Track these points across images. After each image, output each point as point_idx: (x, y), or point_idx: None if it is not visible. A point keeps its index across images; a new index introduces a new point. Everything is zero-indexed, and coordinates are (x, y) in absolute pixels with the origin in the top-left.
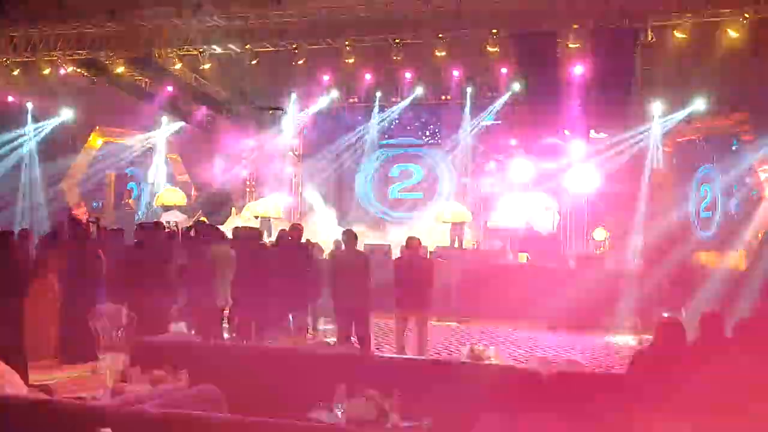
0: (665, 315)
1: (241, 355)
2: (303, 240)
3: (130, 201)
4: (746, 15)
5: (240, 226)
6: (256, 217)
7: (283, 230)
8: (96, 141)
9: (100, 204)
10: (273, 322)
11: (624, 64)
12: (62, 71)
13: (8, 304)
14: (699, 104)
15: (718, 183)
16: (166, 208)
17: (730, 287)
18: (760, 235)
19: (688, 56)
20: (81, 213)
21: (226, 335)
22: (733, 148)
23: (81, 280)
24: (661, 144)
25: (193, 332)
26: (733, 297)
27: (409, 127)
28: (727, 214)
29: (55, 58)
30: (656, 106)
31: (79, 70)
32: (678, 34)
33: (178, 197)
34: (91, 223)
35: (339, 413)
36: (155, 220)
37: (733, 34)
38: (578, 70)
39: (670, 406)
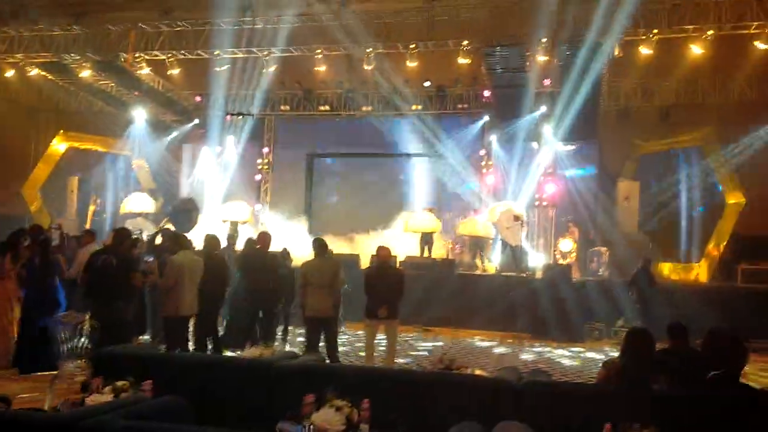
0: (633, 325)
1: (207, 366)
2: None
3: (93, 207)
4: (709, 32)
5: (208, 234)
6: (224, 222)
7: (250, 237)
8: (59, 145)
9: (61, 210)
10: (241, 331)
11: (591, 78)
12: (26, 74)
13: None
14: (664, 117)
15: (683, 194)
16: (133, 215)
17: (693, 298)
18: (721, 245)
19: (653, 71)
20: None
21: (191, 345)
22: (697, 159)
23: (41, 287)
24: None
25: (157, 342)
26: (697, 308)
27: (379, 137)
28: (690, 225)
29: (19, 60)
30: (620, 118)
31: (43, 73)
32: (644, 50)
33: (146, 204)
34: (53, 230)
35: (307, 424)
36: (121, 227)
37: (696, 50)
38: (546, 82)
39: (638, 415)
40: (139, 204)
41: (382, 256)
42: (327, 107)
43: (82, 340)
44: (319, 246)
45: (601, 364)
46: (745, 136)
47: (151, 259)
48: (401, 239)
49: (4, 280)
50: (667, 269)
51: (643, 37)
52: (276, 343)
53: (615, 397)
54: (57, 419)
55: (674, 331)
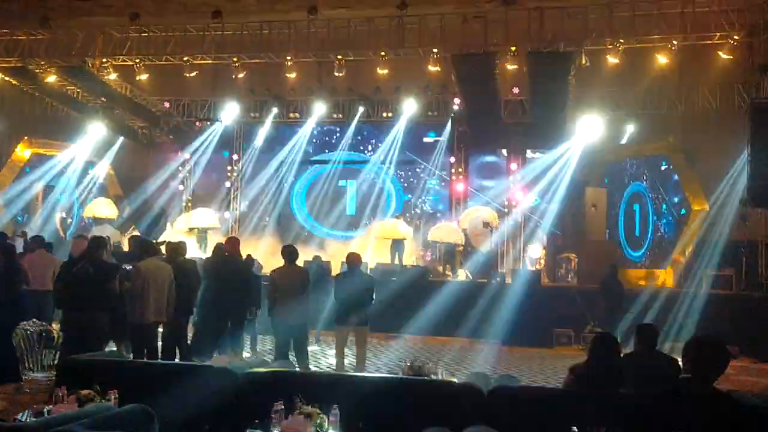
0: (597, 330)
1: (173, 375)
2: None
3: (60, 214)
4: (674, 42)
5: (173, 241)
6: (191, 230)
7: (219, 244)
8: (24, 152)
9: (25, 217)
10: (209, 339)
11: (559, 86)
12: None
13: None
14: (630, 126)
15: (648, 202)
16: (98, 221)
17: (660, 304)
18: (687, 251)
19: (620, 80)
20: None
21: (159, 353)
22: (662, 168)
23: (6, 295)
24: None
25: (124, 350)
26: (664, 313)
27: (349, 143)
28: (656, 232)
29: None
30: (588, 127)
31: (7, 78)
32: (611, 59)
33: (110, 210)
34: (17, 237)
35: (276, 431)
36: (90, 234)
37: (662, 59)
38: (515, 90)
39: (604, 419)
40: (102, 209)
41: (353, 261)
42: (296, 114)
43: (49, 349)
44: (289, 253)
45: (567, 369)
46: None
47: (130, 267)
48: (373, 247)
49: None
50: (633, 276)
51: (610, 47)
52: (245, 351)
53: (581, 400)
54: (18, 429)
55: (643, 333)
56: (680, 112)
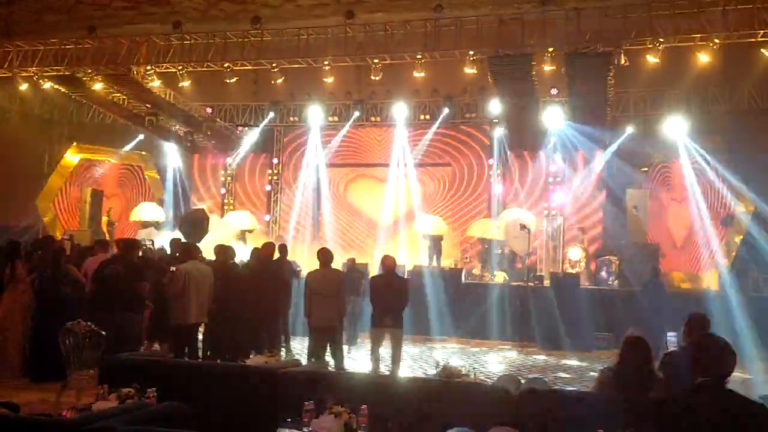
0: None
1: (211, 374)
2: (277, 257)
3: (107, 218)
4: (716, 40)
5: (218, 244)
6: (241, 234)
7: (256, 248)
8: (72, 157)
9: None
10: (246, 340)
11: (598, 86)
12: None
13: None
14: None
15: (692, 203)
16: (144, 225)
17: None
18: (732, 254)
19: (660, 80)
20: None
21: (199, 353)
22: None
23: (53, 297)
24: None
25: (165, 351)
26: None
27: (387, 147)
28: (700, 235)
29: (32, 74)
30: (629, 128)
31: (56, 86)
32: (650, 58)
33: (156, 213)
34: (65, 240)
35: (306, 430)
36: (129, 237)
37: (704, 58)
38: (553, 91)
39: (633, 422)
40: (148, 213)
41: (387, 264)
42: (335, 118)
43: (93, 349)
44: (324, 256)
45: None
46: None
47: (174, 269)
48: (411, 250)
49: (17, 288)
50: (677, 278)
51: (650, 46)
52: (281, 352)
53: (609, 403)
54: (62, 423)
55: (692, 324)
56: (724, 111)
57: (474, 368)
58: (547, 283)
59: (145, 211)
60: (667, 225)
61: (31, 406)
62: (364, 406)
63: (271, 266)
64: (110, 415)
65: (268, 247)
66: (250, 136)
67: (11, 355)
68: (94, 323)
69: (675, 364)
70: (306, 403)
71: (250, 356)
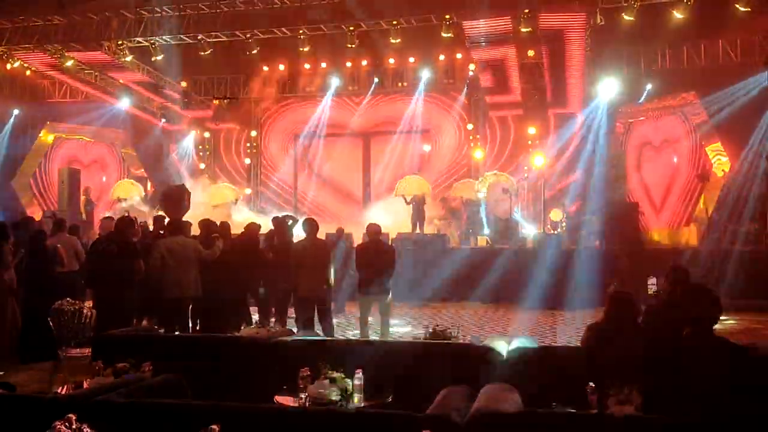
0: (614, 288)
1: (204, 346)
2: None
3: (84, 197)
4: None
5: (204, 218)
6: (215, 206)
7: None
8: (47, 137)
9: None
10: (236, 312)
11: (575, 47)
12: (8, 66)
13: None
14: (649, 84)
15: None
16: (124, 202)
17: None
18: (709, 209)
19: (636, 38)
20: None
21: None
22: (683, 124)
23: (39, 276)
24: (607, 124)
25: (155, 326)
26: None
27: (367, 115)
28: (675, 191)
29: (2, 52)
30: (605, 88)
31: (26, 64)
32: (626, 17)
33: (134, 191)
34: (46, 218)
35: (303, 396)
36: (123, 215)
37: (678, 15)
38: (530, 53)
39: (621, 377)
40: (125, 191)
41: (373, 232)
42: (312, 88)
43: (82, 326)
44: (310, 226)
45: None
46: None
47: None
48: (393, 214)
49: (3, 270)
50: (656, 235)
51: (625, 4)
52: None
53: (598, 359)
54: (56, 400)
55: (675, 276)
56: (699, 67)
57: (462, 330)
58: (529, 245)
59: (123, 188)
60: (644, 182)
61: (24, 387)
62: (358, 370)
63: (248, 240)
64: (108, 390)
65: (251, 226)
66: (228, 110)
67: (6, 337)
68: (92, 300)
69: (656, 316)
70: (301, 369)
71: (241, 328)
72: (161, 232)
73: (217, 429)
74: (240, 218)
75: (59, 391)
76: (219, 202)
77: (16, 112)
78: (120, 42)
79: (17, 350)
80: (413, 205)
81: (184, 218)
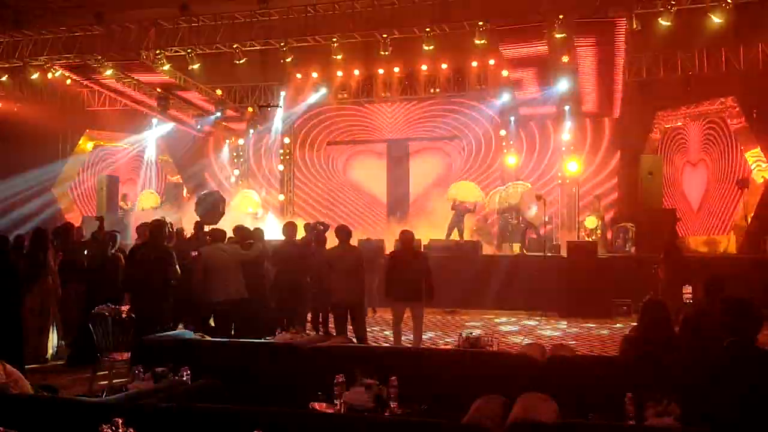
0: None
1: (241, 351)
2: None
3: (122, 204)
4: (729, 0)
5: (238, 225)
6: (248, 213)
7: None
8: (86, 145)
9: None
10: (273, 319)
11: (611, 52)
12: (50, 75)
13: (8, 309)
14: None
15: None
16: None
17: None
18: (749, 216)
19: (673, 43)
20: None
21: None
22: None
23: (102, 283)
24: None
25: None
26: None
27: (398, 122)
28: (713, 198)
29: (43, 62)
30: (641, 93)
31: (67, 74)
32: (663, 22)
33: (152, 200)
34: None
35: (338, 402)
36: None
37: (716, 19)
38: (565, 59)
39: (659, 387)
40: (146, 201)
41: (405, 239)
42: (345, 95)
43: (122, 331)
44: (342, 234)
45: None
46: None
47: (195, 253)
48: (426, 222)
49: (46, 276)
50: (693, 242)
51: (661, 9)
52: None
53: (635, 368)
54: (101, 404)
55: (710, 287)
56: (738, 71)
57: (495, 338)
58: (564, 252)
59: (145, 199)
60: (681, 189)
61: (64, 390)
62: (393, 378)
63: (293, 245)
64: (148, 394)
65: (290, 226)
66: (263, 118)
67: (48, 340)
68: (131, 306)
69: (694, 327)
70: (336, 376)
71: (277, 333)
72: (197, 238)
73: None
74: (272, 224)
75: (99, 394)
76: (241, 213)
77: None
78: (157, 51)
79: (59, 354)
80: (456, 212)
81: (218, 225)
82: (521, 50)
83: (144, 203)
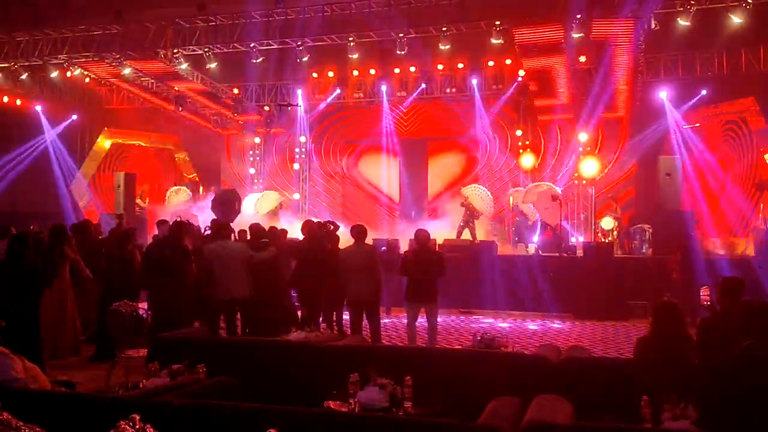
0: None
1: (257, 349)
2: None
3: (140, 201)
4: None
5: (254, 224)
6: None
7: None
8: (104, 143)
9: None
10: (287, 316)
11: (627, 52)
12: (69, 74)
13: (27, 306)
14: (704, 90)
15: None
16: (175, 208)
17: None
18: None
19: (692, 43)
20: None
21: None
22: (740, 131)
23: (121, 279)
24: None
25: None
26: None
27: (415, 121)
28: (732, 200)
29: (62, 61)
30: (662, 93)
31: (86, 72)
32: (682, 22)
33: (181, 196)
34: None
35: (353, 401)
36: (178, 220)
37: (736, 19)
38: (582, 59)
39: (675, 390)
40: (175, 198)
41: (421, 239)
42: (361, 94)
43: (139, 328)
44: (357, 233)
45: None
46: None
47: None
48: (441, 221)
49: (64, 271)
50: (711, 244)
51: (680, 9)
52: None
53: (651, 370)
54: (119, 400)
55: (728, 290)
56: (758, 72)
57: (510, 339)
58: (580, 253)
59: (173, 196)
60: (700, 190)
61: (81, 386)
62: (408, 377)
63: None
64: (165, 391)
65: (308, 224)
66: (280, 117)
67: (68, 335)
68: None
69: (712, 329)
70: (351, 375)
71: (291, 332)
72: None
73: None
74: (285, 223)
75: (115, 390)
76: (267, 210)
77: (74, 117)
78: (175, 50)
79: (77, 349)
80: (466, 212)
81: (234, 223)
82: (536, 35)
83: (174, 199)
